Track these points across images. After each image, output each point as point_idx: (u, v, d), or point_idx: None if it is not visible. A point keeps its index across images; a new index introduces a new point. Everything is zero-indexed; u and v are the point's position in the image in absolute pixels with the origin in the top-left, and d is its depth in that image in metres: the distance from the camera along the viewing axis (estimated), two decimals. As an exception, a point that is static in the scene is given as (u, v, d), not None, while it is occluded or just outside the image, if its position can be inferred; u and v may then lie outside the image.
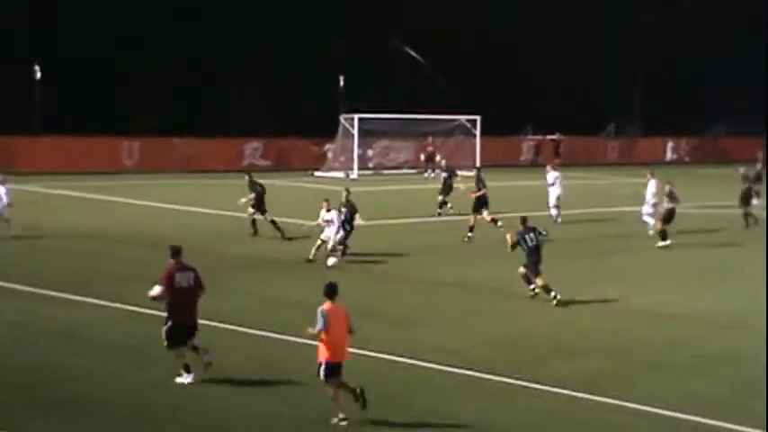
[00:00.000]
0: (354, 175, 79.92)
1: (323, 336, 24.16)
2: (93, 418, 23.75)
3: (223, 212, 56.13)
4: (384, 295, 37.96)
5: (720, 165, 77.13)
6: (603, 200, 63.15)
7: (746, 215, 55.43)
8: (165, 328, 26.40)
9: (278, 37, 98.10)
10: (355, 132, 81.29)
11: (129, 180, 72.92)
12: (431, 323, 33.35)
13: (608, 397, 25.64)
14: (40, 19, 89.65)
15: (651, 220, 53.32)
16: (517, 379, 26.91)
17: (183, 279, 26.82)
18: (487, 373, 27.46)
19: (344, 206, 44.30)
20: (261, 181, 49.77)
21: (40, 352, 28.72)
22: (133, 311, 33.78)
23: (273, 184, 67.13)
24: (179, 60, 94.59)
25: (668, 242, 50.31)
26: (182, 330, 26.73)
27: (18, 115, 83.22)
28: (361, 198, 59.60)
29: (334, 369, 24.50)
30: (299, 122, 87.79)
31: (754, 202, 58.51)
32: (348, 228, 44.73)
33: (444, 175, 62.50)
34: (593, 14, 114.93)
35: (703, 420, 24.18)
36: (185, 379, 25.86)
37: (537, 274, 36.97)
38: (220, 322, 32.10)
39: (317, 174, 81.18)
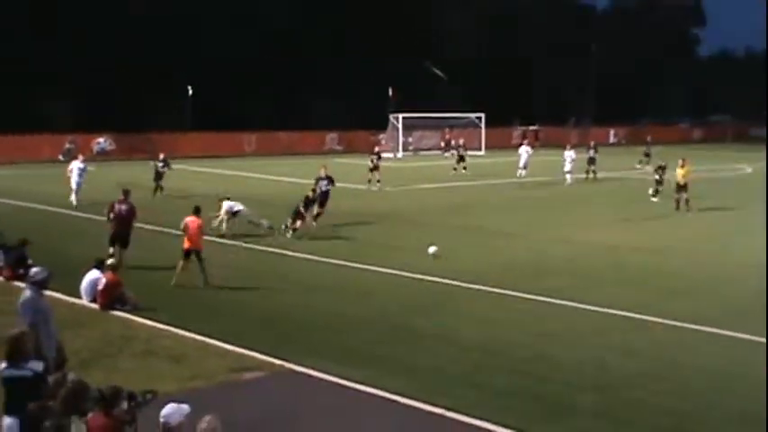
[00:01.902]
0: (400, 155, 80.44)
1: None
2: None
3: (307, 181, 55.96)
4: (411, 235, 37.05)
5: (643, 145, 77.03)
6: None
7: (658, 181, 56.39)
8: None
9: (351, 59, 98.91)
10: (399, 126, 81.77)
11: (250, 161, 73.49)
12: (449, 254, 32.29)
13: (573, 301, 25.42)
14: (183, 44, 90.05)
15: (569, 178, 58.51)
16: (512, 290, 26.85)
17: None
18: (492, 286, 27.31)
19: (323, 179, 38.92)
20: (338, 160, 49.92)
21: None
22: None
23: (347, 161, 68.40)
24: (280, 67, 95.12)
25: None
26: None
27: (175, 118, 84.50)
28: (405, 169, 60.51)
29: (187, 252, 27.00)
30: (363, 119, 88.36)
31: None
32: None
33: (459, 152, 64.60)
34: (561, 30, 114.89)
35: (637, 316, 23.94)
36: None
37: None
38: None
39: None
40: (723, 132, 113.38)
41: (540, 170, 63.92)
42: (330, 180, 39.05)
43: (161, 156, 48.41)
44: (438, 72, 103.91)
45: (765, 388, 15.41)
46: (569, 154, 60.29)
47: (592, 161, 61.60)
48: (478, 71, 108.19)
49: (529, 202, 50.55)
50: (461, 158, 64.95)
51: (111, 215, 29.94)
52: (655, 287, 27.99)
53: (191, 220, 27.64)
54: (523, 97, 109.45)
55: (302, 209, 36.04)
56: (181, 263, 27.20)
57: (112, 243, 29.28)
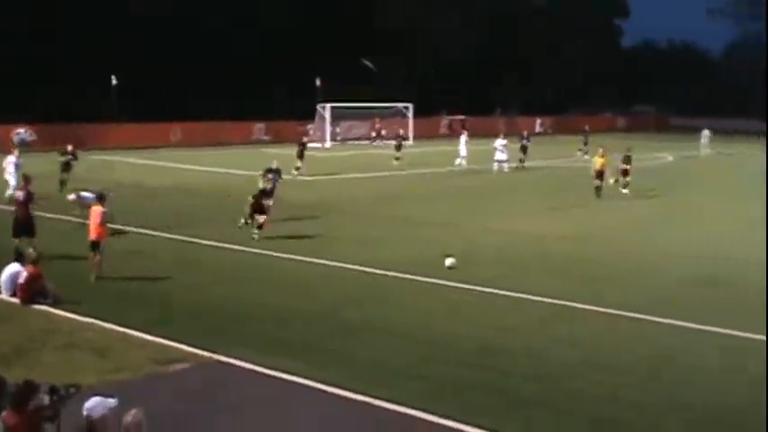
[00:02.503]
0: (328, 144, 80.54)
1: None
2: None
3: (236, 171, 56.36)
4: (343, 226, 37.48)
5: (571, 134, 78.03)
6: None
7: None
8: None
9: (281, 56, 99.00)
10: (327, 116, 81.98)
11: (176, 152, 73.11)
12: (381, 244, 33.08)
13: (506, 290, 25.62)
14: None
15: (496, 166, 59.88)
16: (445, 280, 26.99)
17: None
18: (424, 276, 27.40)
19: (271, 172, 37.67)
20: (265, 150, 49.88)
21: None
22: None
23: (274, 151, 68.20)
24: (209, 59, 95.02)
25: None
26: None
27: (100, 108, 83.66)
28: (333, 159, 60.65)
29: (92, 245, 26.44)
30: (291, 110, 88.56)
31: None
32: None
33: (398, 142, 64.83)
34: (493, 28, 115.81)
35: (569, 304, 24.16)
36: None
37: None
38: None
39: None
40: (646, 122, 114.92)
41: (468, 159, 64.26)
42: (278, 173, 38.65)
43: (69, 147, 46.93)
44: (368, 64, 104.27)
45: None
46: (500, 142, 60.70)
47: (524, 149, 62.09)
48: (408, 64, 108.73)
49: (458, 191, 50.95)
50: (399, 147, 65.02)
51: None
52: (580, 276, 28.37)
53: (96, 208, 27.37)
54: (451, 88, 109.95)
55: (263, 201, 34.29)
56: (89, 254, 26.81)
57: (16, 234, 28.88)
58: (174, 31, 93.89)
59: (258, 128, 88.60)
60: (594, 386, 17.94)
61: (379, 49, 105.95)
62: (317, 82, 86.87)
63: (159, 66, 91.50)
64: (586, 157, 65.14)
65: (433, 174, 59.12)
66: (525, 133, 65.15)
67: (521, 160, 61.53)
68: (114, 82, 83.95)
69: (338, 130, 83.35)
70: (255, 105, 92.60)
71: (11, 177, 42.49)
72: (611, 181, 49.39)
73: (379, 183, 53.81)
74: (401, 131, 69.76)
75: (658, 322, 22.66)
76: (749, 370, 18.98)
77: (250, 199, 33.81)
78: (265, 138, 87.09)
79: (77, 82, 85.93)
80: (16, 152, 44.99)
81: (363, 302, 24.73)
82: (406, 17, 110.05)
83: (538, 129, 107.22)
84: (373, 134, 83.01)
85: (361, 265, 28.93)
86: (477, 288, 26.08)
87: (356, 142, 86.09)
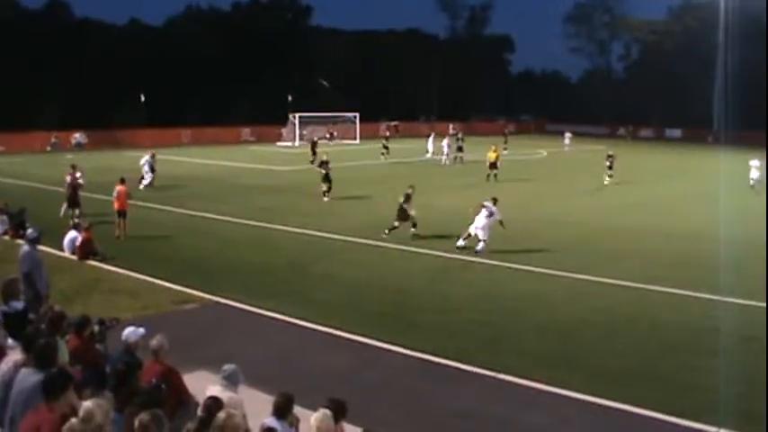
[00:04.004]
0: (297, 144, 79.62)
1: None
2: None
3: (231, 163, 56.13)
4: (307, 203, 36.93)
5: (473, 135, 77.71)
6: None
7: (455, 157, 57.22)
8: None
9: (265, 73, 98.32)
10: (296, 122, 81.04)
11: (186, 150, 72.35)
12: (325, 217, 32.71)
13: (425, 249, 25.85)
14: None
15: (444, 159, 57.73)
16: (376, 241, 27.19)
17: None
18: (364, 239, 27.56)
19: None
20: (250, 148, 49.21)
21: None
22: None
23: (258, 149, 67.98)
24: (208, 80, 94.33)
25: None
26: None
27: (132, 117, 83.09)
28: (302, 154, 60.38)
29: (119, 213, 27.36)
30: (270, 117, 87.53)
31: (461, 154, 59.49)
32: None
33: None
34: (414, 52, 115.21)
35: (468, 258, 24.38)
36: None
37: None
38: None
39: (278, 144, 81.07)
40: (528, 127, 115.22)
41: (402, 154, 63.72)
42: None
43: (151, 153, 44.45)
44: (324, 82, 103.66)
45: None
46: (446, 142, 59.40)
47: (460, 149, 59.98)
48: (354, 81, 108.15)
49: (397, 176, 50.07)
50: (386, 147, 62.70)
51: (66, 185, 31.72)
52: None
53: (120, 187, 28.30)
54: (387, 100, 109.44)
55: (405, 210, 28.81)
56: (116, 220, 27.76)
57: (69, 205, 31.03)
58: (182, 60, 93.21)
59: (245, 131, 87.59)
60: (480, 315, 18.39)
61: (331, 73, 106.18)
62: (289, 97, 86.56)
63: (173, 85, 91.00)
64: (505, 152, 64.70)
65: (375, 164, 58.61)
66: (460, 135, 62.78)
67: (456, 158, 59.75)
68: (143, 99, 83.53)
69: (304, 132, 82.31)
70: (244, 114, 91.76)
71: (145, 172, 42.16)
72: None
73: (335, 171, 53.29)
74: (387, 132, 69.11)
75: (531, 270, 23.04)
76: (578, 299, 19.58)
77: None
78: (251, 138, 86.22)
79: (115, 98, 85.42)
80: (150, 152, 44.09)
81: (322, 258, 24.81)
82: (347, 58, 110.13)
83: (450, 131, 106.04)
84: (328, 135, 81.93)
85: (321, 232, 28.99)
86: (401, 247, 26.32)
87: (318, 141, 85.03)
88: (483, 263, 24.05)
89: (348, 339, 16.44)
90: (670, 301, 19.85)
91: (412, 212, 28.15)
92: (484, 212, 25.83)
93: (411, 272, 23.01)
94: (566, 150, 76.54)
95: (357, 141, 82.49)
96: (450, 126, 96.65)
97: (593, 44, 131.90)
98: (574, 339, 16.73)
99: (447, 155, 58.76)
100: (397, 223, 27.98)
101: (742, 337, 16.70)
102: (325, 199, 37.66)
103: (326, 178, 38.40)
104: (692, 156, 73.95)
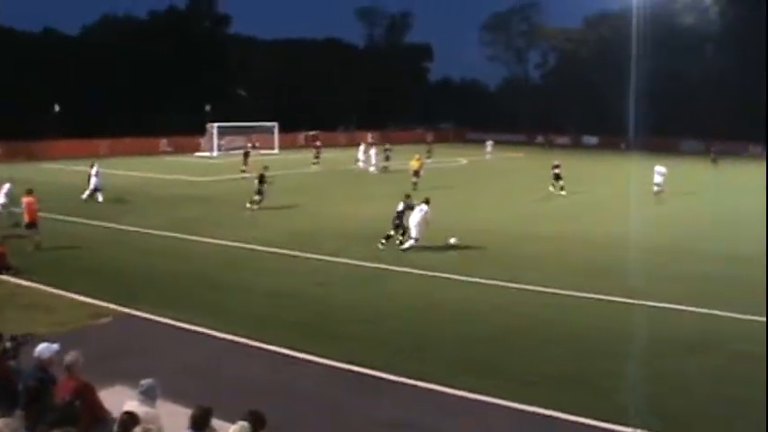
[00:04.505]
0: (215, 154, 78.92)
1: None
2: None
3: (147, 174, 55.41)
4: (224, 213, 36.60)
5: (396, 144, 78.01)
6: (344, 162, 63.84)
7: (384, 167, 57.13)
8: None
9: (182, 82, 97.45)
10: (215, 132, 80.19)
11: (103, 161, 71.17)
12: (248, 227, 32.49)
13: (342, 258, 25.73)
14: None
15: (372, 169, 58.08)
16: (288, 250, 27.02)
17: None
18: (284, 248, 27.32)
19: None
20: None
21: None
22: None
23: (176, 159, 67.21)
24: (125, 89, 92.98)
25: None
26: None
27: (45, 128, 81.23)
28: (220, 165, 59.87)
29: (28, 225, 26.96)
30: (188, 127, 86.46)
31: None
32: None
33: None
34: (334, 63, 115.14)
35: (392, 267, 24.38)
36: None
37: None
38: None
39: (196, 154, 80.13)
40: (447, 136, 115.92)
41: (328, 164, 63.52)
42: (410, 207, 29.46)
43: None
44: (242, 92, 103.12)
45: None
46: (373, 151, 59.70)
47: (387, 158, 60.37)
48: (272, 91, 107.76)
49: (324, 185, 50.08)
50: (317, 156, 62.95)
51: None
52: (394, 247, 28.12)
53: (26, 199, 27.95)
54: (306, 110, 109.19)
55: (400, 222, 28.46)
56: (27, 233, 27.33)
57: None
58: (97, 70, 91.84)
59: (163, 142, 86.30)
60: (406, 324, 18.48)
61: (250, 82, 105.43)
62: (207, 107, 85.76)
63: (89, 96, 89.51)
64: (429, 160, 65.14)
65: (294, 174, 58.30)
66: (387, 145, 62.91)
67: (385, 167, 59.79)
68: (57, 109, 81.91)
69: (223, 142, 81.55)
70: (161, 124, 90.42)
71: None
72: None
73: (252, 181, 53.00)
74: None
75: (461, 279, 23.05)
76: (503, 306, 19.76)
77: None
78: (169, 149, 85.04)
79: (30, 109, 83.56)
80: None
81: (237, 267, 24.77)
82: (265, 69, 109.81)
83: (369, 140, 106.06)
84: (250, 145, 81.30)
85: (239, 242, 28.77)
86: (322, 257, 26.15)
87: (237, 151, 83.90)
88: (406, 272, 24.07)
89: (267, 350, 16.31)
90: (588, 307, 20.19)
91: (427, 218, 27.84)
92: (417, 211, 26.94)
93: (332, 281, 22.94)
94: (487, 159, 77.23)
95: (276, 151, 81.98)
96: (369, 135, 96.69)
97: (511, 52, 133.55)
98: (499, 347, 16.84)
99: (375, 164, 59.12)
100: (392, 232, 27.96)
101: (656, 339, 17.11)
102: (249, 207, 37.41)
103: (260, 189, 38.05)
104: (608, 162, 75.53)
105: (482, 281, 22.86)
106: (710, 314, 19.17)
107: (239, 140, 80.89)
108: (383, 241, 27.63)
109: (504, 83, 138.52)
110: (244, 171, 53.64)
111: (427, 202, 27.63)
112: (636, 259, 25.76)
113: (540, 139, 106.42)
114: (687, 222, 35.94)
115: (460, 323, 18.62)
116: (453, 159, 74.30)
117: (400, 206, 28.09)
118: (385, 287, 22.31)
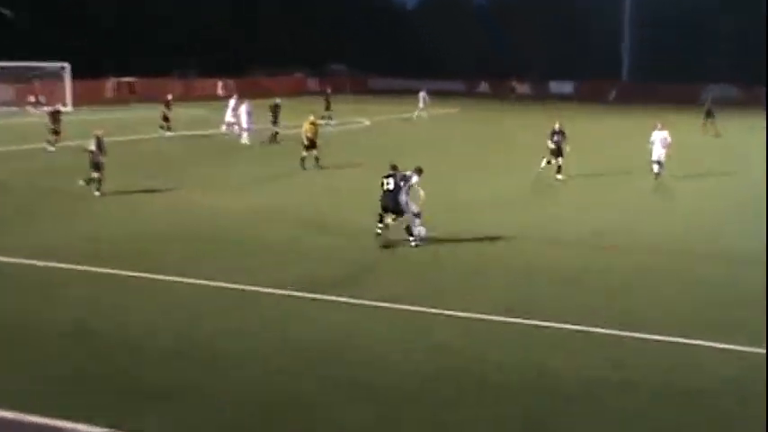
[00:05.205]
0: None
1: None
2: None
3: None
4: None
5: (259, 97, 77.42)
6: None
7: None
8: None
9: None
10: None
11: None
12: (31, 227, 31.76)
13: (184, 277, 25.14)
14: None
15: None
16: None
17: None
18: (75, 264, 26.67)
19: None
20: None
21: None
22: None
23: None
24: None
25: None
26: None
27: None
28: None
29: None
30: None
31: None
32: None
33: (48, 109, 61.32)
34: None
35: (248, 288, 24.19)
36: None
37: None
38: None
39: None
40: (342, 84, 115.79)
41: (183, 126, 64.24)
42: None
43: None
44: (6, 11, 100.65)
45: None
46: (246, 108, 59.91)
47: (275, 119, 60.43)
48: (59, 13, 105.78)
49: (177, 159, 51.02)
50: (166, 117, 63.03)
51: None
52: (266, 256, 28.13)
53: None
54: (117, 43, 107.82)
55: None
56: None
57: None
58: None
59: None
60: (267, 375, 17.69)
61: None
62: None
63: None
64: (332, 123, 66.85)
65: (158, 139, 59.10)
66: (278, 101, 62.56)
67: (274, 133, 59.82)
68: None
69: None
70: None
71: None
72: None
73: (34, 157, 51.74)
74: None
75: (345, 301, 23.00)
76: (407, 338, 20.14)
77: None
78: None
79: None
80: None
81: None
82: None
83: (220, 92, 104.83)
84: (33, 100, 78.99)
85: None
86: (141, 274, 25.42)
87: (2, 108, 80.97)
88: (273, 293, 23.84)
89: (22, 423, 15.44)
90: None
91: (421, 194, 29.84)
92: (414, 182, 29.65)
93: (154, 312, 22.27)
94: (415, 117, 77.91)
95: (69, 108, 79.66)
96: (220, 84, 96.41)
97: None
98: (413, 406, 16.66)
99: (248, 128, 59.24)
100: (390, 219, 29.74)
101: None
102: (83, 185, 38.10)
103: (96, 164, 38.38)
104: (599, 120, 77.15)
105: (379, 303, 22.83)
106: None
107: (7, 90, 79.15)
108: (380, 226, 29.67)
109: (428, 3, 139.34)
110: (52, 142, 53.87)
111: (420, 172, 29.91)
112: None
113: (483, 86, 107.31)
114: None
115: (352, 368, 18.35)
116: (352, 119, 75.64)
117: (390, 183, 29.61)
118: (238, 318, 21.81)
